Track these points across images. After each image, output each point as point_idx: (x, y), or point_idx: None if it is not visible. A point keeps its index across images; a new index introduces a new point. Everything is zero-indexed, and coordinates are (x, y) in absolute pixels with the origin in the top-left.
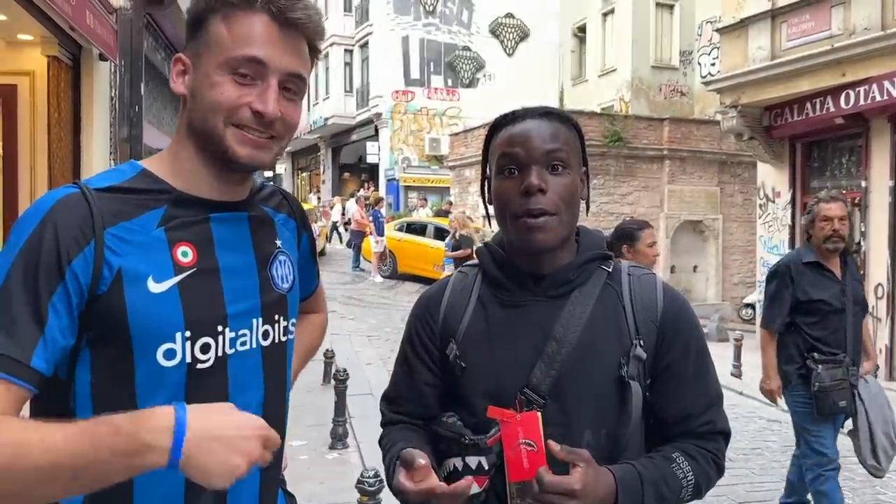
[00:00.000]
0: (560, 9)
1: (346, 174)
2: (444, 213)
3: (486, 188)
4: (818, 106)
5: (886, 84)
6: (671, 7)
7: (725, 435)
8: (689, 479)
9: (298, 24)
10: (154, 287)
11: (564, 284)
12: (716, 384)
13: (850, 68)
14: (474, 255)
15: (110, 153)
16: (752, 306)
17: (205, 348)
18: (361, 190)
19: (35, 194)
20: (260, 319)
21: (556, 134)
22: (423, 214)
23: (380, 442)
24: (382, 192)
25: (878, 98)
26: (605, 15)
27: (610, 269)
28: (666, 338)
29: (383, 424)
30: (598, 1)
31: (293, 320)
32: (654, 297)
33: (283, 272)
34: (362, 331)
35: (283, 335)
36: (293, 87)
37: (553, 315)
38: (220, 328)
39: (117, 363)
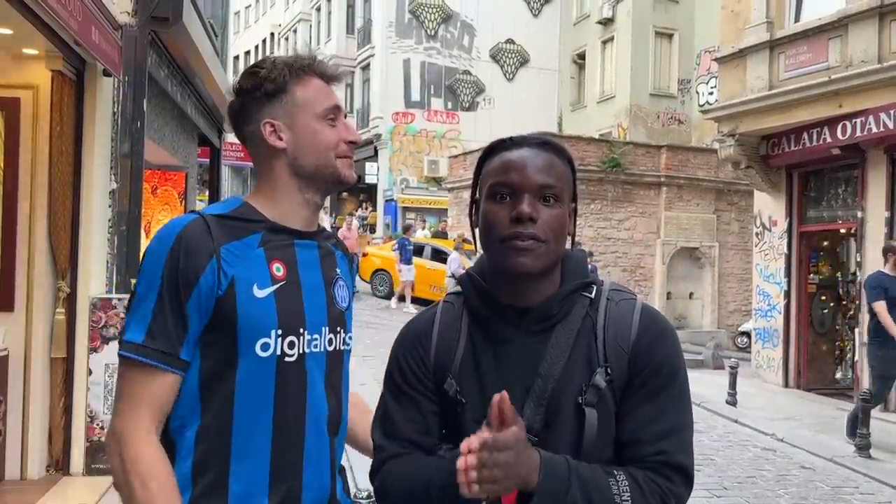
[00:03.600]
0: (560, 36)
1: (344, 194)
2: (441, 235)
3: (473, 211)
4: (815, 136)
5: (883, 116)
6: (670, 36)
7: (682, 471)
8: (624, 498)
9: (337, 77)
10: (258, 292)
11: (547, 319)
12: (680, 415)
13: (847, 100)
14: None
15: (111, 168)
16: (747, 334)
17: (291, 345)
18: (359, 210)
19: (35, 206)
20: (327, 328)
21: (551, 166)
22: (420, 236)
23: (377, 477)
24: (380, 212)
25: (875, 129)
26: (604, 42)
27: (592, 296)
28: (637, 363)
29: (383, 460)
30: (597, 28)
31: (350, 334)
32: (628, 323)
33: (342, 294)
34: (357, 351)
35: (343, 345)
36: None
37: (537, 351)
38: (301, 330)
39: (225, 352)
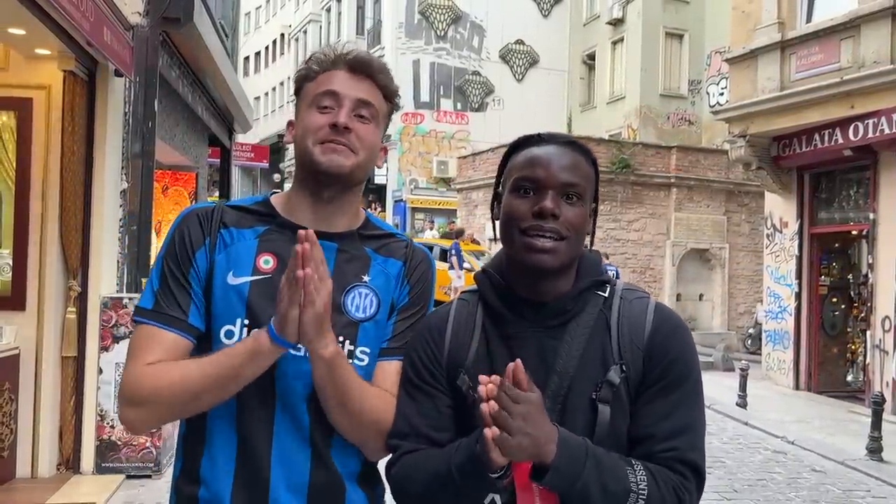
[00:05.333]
0: (570, 36)
1: None
2: (449, 235)
3: (495, 204)
4: (826, 137)
5: (895, 117)
6: (680, 36)
7: (694, 469)
8: (641, 488)
9: (362, 68)
10: (231, 280)
11: (561, 315)
12: (693, 413)
13: (859, 100)
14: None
15: (122, 168)
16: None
17: None
18: (368, 210)
19: (47, 204)
20: None
21: (576, 165)
22: (429, 236)
23: (391, 474)
24: (389, 213)
25: (887, 131)
26: (614, 43)
27: (606, 294)
28: (652, 360)
29: (398, 457)
30: (607, 29)
31: (365, 348)
32: (642, 321)
33: (362, 303)
34: None
35: (349, 358)
36: (365, 112)
37: (552, 347)
38: None
39: (205, 333)
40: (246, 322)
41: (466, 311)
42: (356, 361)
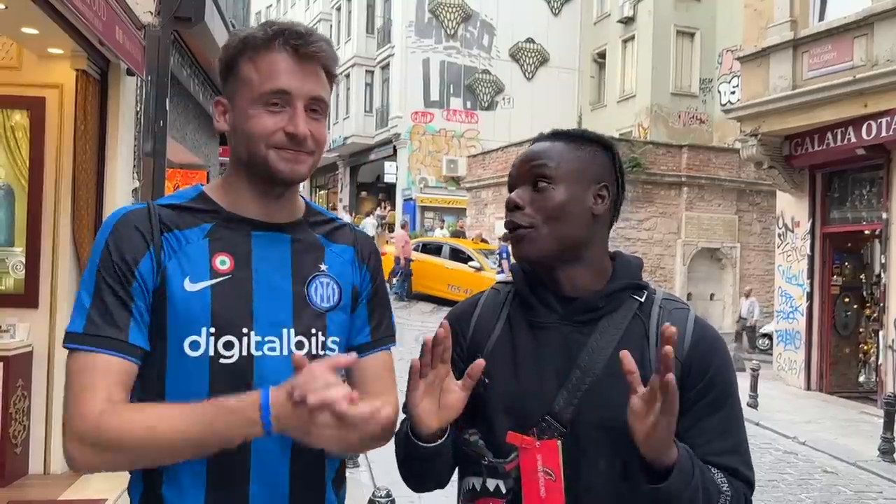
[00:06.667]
0: (580, 35)
1: (364, 193)
2: (459, 234)
3: None
4: (839, 136)
5: None
6: (692, 35)
7: (750, 485)
8: (724, 489)
9: (314, 56)
10: (189, 286)
11: (592, 311)
12: (741, 429)
13: (872, 99)
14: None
15: (134, 166)
16: (769, 336)
17: (228, 345)
18: (378, 209)
19: (60, 204)
20: (292, 330)
21: (548, 151)
22: (439, 235)
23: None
24: (399, 212)
25: None
26: (625, 41)
27: (642, 300)
28: (691, 374)
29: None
30: (618, 27)
31: (335, 338)
32: (682, 333)
33: (326, 293)
34: None
35: (322, 349)
36: (317, 108)
37: (578, 342)
38: (245, 329)
39: (156, 348)
40: (212, 330)
41: (496, 299)
42: (328, 351)
